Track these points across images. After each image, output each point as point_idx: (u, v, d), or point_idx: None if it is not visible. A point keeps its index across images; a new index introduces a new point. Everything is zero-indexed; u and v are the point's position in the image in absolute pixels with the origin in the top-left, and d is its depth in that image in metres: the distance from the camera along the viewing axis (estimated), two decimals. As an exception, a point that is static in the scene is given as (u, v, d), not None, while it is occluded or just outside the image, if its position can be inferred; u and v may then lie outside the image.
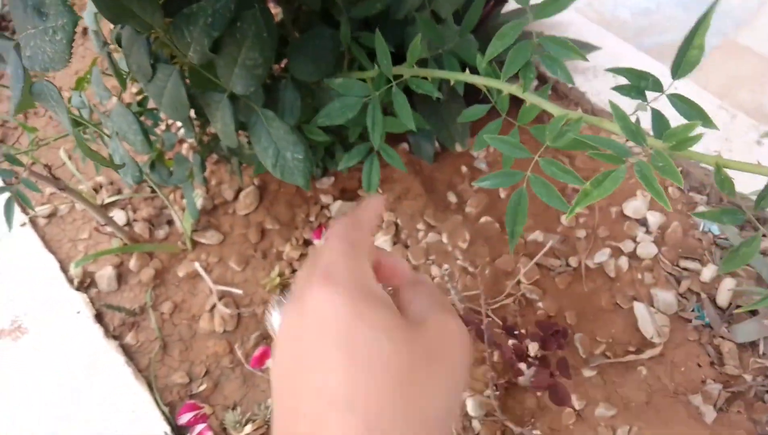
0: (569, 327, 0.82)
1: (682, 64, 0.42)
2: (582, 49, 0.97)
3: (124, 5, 0.45)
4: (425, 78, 0.61)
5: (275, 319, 0.36)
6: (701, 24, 0.40)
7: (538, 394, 0.75)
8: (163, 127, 1.00)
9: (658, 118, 0.44)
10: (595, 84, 0.99)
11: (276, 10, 0.79)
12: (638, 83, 0.43)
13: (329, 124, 0.58)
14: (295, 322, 0.28)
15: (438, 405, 0.27)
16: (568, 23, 1.04)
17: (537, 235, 0.90)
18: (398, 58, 0.66)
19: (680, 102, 0.43)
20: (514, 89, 0.50)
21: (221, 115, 0.52)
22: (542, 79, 1.06)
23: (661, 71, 1.02)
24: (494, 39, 0.47)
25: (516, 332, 0.70)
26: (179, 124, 0.99)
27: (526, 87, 0.48)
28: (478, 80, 0.54)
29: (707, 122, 0.42)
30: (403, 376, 0.26)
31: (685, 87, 0.99)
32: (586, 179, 0.49)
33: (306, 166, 0.53)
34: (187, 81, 0.56)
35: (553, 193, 0.47)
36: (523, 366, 0.66)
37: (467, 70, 0.58)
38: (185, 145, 1.03)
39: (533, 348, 0.67)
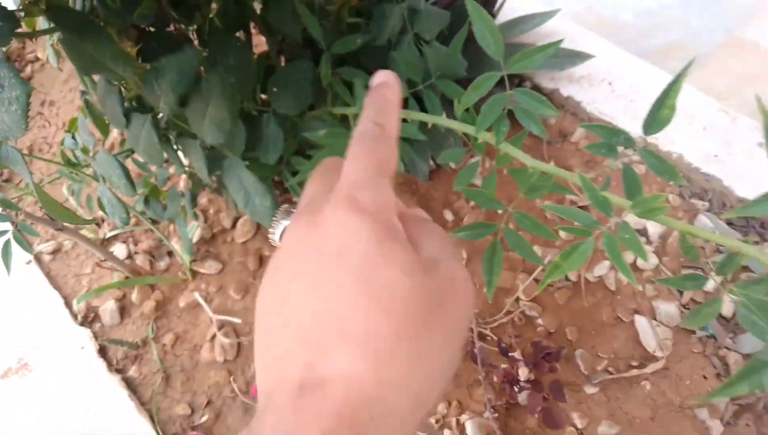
0: (570, 343, 0.81)
1: (654, 123, 0.41)
2: (574, 57, 0.97)
3: (96, 58, 0.46)
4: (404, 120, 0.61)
5: (280, 229, 0.33)
6: (673, 86, 0.40)
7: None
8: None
9: (629, 176, 0.43)
10: (591, 93, 0.97)
11: (258, 40, 0.80)
12: (610, 139, 0.43)
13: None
14: (306, 237, 0.26)
15: (443, 358, 0.26)
16: (562, 32, 1.03)
17: (535, 250, 0.89)
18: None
19: (650, 157, 0.42)
20: (489, 137, 0.50)
21: (195, 157, 0.52)
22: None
23: (659, 77, 1.01)
24: (470, 88, 0.47)
25: (510, 354, 0.69)
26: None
27: (499, 140, 0.48)
28: (455, 125, 0.54)
29: (675, 178, 0.41)
30: (418, 323, 0.24)
31: (685, 92, 0.97)
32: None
33: (273, 211, 0.54)
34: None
35: (525, 247, 0.47)
36: (517, 390, 0.65)
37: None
38: (184, 178, 1.04)
39: (524, 373, 0.67)
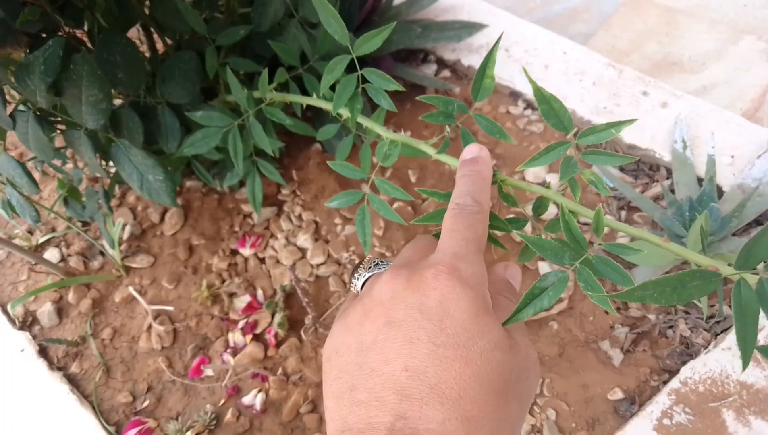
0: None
1: (480, 90, 0.46)
2: (470, 28, 1.02)
3: (-34, 64, 0.49)
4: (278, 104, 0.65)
5: (363, 278, 0.36)
6: (489, 59, 0.45)
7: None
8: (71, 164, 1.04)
9: (466, 136, 0.48)
10: (490, 60, 1.03)
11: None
12: (446, 108, 0.48)
13: (195, 153, 0.63)
14: (404, 292, 0.27)
15: (516, 423, 0.28)
16: (461, 6, 1.08)
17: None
18: (274, 68, 0.69)
19: (482, 120, 0.47)
20: (348, 114, 0.55)
21: (84, 149, 0.56)
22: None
23: (551, 39, 1.07)
24: (325, 72, 0.51)
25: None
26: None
27: (354, 115, 0.53)
28: (322, 104, 0.58)
29: (504, 137, 0.46)
30: (502, 393, 0.26)
31: (573, 52, 1.03)
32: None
33: (168, 185, 0.58)
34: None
35: (387, 210, 0.53)
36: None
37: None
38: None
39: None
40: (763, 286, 0.28)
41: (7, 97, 0.57)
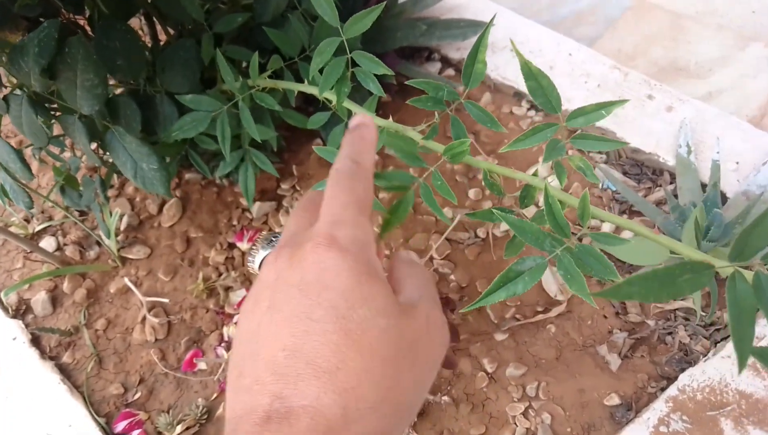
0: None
1: (471, 76, 0.45)
2: (476, 27, 1.01)
3: (-40, 45, 0.48)
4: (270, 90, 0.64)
5: (260, 257, 0.34)
6: (480, 43, 0.44)
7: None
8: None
9: (456, 125, 0.47)
10: (494, 60, 1.02)
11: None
12: (436, 93, 0.47)
13: (183, 138, 0.62)
14: (286, 271, 0.27)
15: (410, 395, 0.26)
16: (466, 5, 1.07)
17: (447, 212, 0.93)
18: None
19: (473, 108, 0.46)
20: (335, 99, 0.54)
21: (78, 135, 0.55)
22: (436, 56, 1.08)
23: (556, 40, 1.06)
24: (315, 55, 0.51)
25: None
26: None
27: (340, 99, 0.52)
28: (312, 89, 0.57)
29: (495, 126, 0.46)
30: (388, 362, 0.25)
31: (579, 53, 1.02)
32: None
33: (163, 175, 0.57)
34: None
35: (376, 202, 0.52)
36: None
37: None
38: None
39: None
40: (760, 280, 0.26)
41: (4, 81, 0.56)
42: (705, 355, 0.76)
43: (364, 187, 0.31)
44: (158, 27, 0.79)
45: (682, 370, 0.76)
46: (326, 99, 0.56)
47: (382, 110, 0.95)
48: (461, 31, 1.01)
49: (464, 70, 0.45)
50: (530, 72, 0.40)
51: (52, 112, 0.58)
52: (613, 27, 1.31)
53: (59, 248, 1.00)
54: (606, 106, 0.38)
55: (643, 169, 0.92)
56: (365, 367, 0.24)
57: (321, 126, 0.63)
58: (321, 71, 0.52)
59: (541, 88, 0.40)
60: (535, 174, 0.43)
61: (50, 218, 1.04)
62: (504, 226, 0.90)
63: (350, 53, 0.50)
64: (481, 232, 0.91)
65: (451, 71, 1.07)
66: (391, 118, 0.50)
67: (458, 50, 1.05)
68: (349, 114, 0.57)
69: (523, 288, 0.33)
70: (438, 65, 1.07)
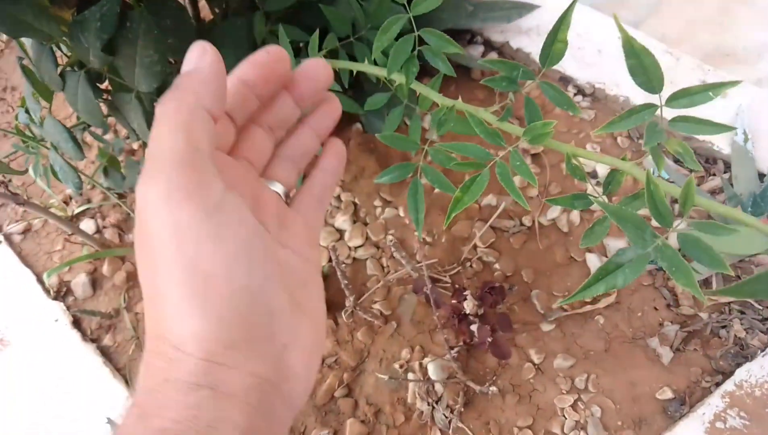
0: (526, 285, 0.84)
1: (549, 56, 0.43)
2: (520, 9, 0.99)
3: (19, 17, 0.47)
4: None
5: None
6: (563, 21, 0.42)
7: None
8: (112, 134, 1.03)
9: (530, 107, 0.45)
10: (539, 43, 0.98)
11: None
12: (510, 73, 0.45)
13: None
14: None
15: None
16: (510, -15, 1.04)
17: (490, 199, 0.91)
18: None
19: (549, 88, 0.44)
20: (402, 79, 0.52)
21: (134, 115, 0.54)
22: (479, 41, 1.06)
23: (605, 23, 1.02)
24: (379, 33, 0.49)
25: (465, 294, 0.72)
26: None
27: (409, 80, 0.50)
28: (373, 70, 0.55)
29: (572, 108, 0.44)
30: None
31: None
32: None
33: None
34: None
35: (442, 181, 0.50)
36: (468, 325, 0.68)
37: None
38: (139, 144, 1.05)
39: (469, 306, 0.69)
40: None
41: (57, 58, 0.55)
42: (763, 350, 0.74)
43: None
44: (200, 4, 0.78)
45: (738, 364, 0.74)
46: (386, 79, 0.54)
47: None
48: (505, 13, 0.98)
49: (542, 50, 0.43)
50: (632, 49, 0.38)
51: (105, 91, 0.57)
52: (658, 10, 1.27)
53: (98, 231, 1.00)
54: (714, 88, 0.36)
55: (695, 158, 0.89)
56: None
57: (377, 108, 0.61)
58: (384, 53, 0.50)
59: (642, 67, 0.38)
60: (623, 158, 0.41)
61: (89, 201, 1.04)
62: (551, 215, 0.88)
63: (417, 31, 0.48)
64: (526, 221, 0.89)
65: (493, 54, 1.05)
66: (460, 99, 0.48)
67: (502, 33, 1.02)
68: (410, 94, 0.55)
69: (624, 281, 0.31)
70: (481, 48, 1.04)
